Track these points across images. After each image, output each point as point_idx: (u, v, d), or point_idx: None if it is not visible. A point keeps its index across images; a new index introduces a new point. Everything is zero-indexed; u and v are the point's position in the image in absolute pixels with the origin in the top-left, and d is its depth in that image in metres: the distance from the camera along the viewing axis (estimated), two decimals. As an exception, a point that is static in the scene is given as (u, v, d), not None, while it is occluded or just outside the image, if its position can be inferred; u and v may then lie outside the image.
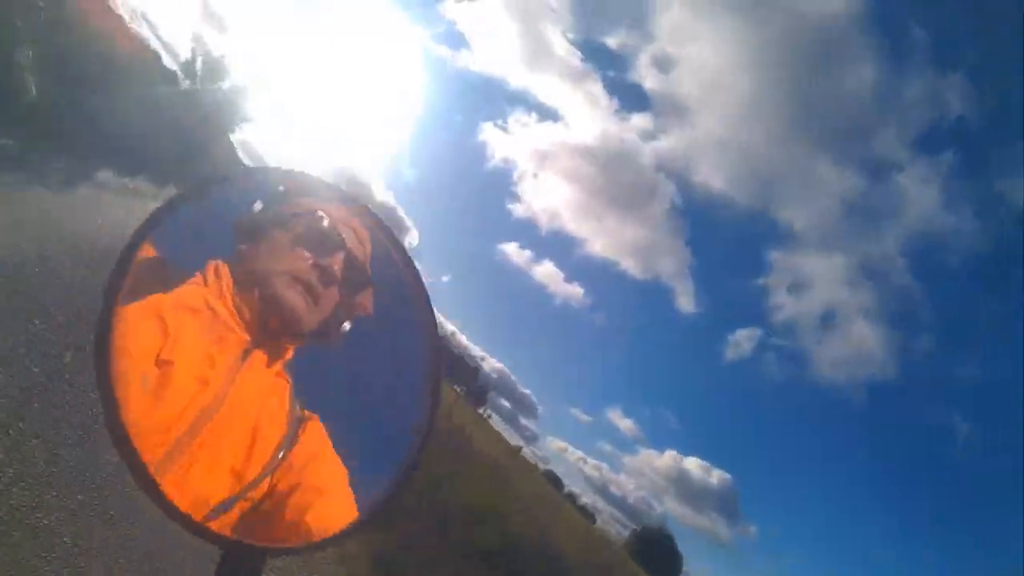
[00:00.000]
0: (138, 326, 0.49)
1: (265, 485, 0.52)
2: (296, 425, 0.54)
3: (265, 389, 0.54)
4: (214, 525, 0.48)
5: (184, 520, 0.47)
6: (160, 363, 0.49)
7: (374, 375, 0.55)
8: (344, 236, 0.55)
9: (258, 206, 0.54)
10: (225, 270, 0.54)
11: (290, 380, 0.55)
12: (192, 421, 0.49)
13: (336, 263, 0.55)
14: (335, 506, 0.51)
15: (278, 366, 0.55)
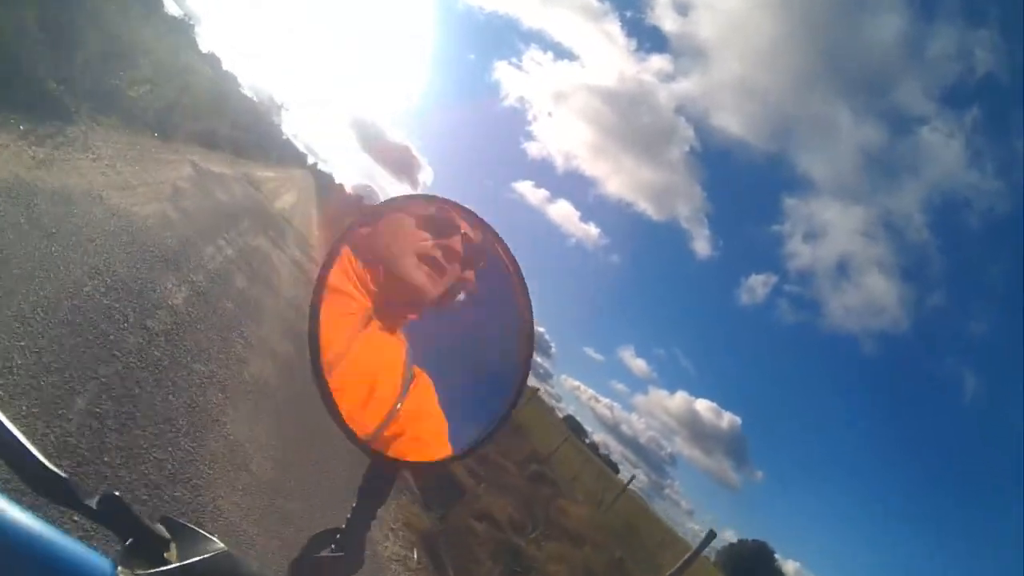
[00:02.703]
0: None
1: (380, 436, 0.58)
2: (408, 381, 0.61)
3: (383, 348, 0.60)
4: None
5: (351, 436, 0.56)
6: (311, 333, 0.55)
7: (475, 343, 0.63)
8: (456, 221, 0.60)
9: (383, 199, 0.60)
10: (347, 249, 0.59)
11: (406, 340, 0.61)
12: (320, 373, 0.55)
13: (456, 243, 0.60)
14: (431, 450, 0.60)
15: (397, 331, 0.61)
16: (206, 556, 0.45)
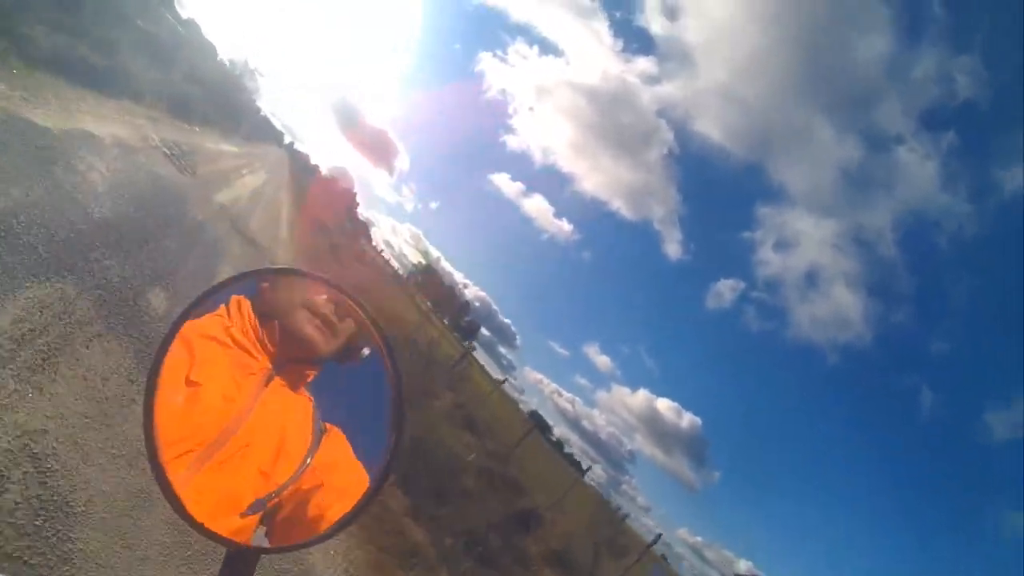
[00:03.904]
0: (169, 349, 0.54)
1: (291, 489, 0.57)
2: (319, 436, 0.60)
3: (289, 407, 0.59)
4: (230, 527, 0.54)
5: (191, 522, 0.52)
6: (189, 383, 0.54)
7: (367, 394, 0.61)
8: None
9: (278, 266, 0.70)
10: (247, 305, 0.59)
11: (312, 397, 0.61)
12: (217, 435, 0.54)
13: (348, 300, 0.59)
14: (344, 500, 0.57)
15: (301, 388, 0.61)
16: None
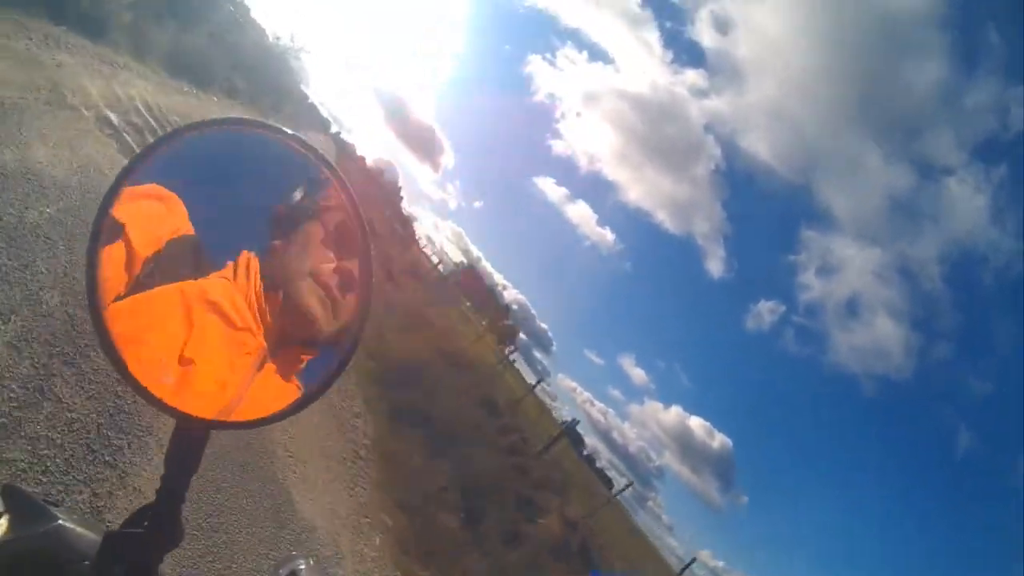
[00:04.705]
0: (165, 310, 0.51)
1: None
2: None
3: (278, 395, 0.55)
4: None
5: (143, 391, 0.49)
6: (183, 360, 0.51)
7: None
8: (368, 234, 0.55)
9: (298, 195, 0.54)
10: (256, 265, 0.54)
11: (301, 388, 0.56)
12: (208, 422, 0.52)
13: (355, 267, 0.54)
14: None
15: (291, 377, 0.56)
16: (33, 531, 0.47)
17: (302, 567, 0.70)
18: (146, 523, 0.47)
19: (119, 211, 0.49)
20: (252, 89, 14.85)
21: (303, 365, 0.56)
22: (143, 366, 0.49)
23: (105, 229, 0.49)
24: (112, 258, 0.49)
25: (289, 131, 0.52)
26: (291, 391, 0.55)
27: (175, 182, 0.52)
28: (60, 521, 0.49)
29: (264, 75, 17.87)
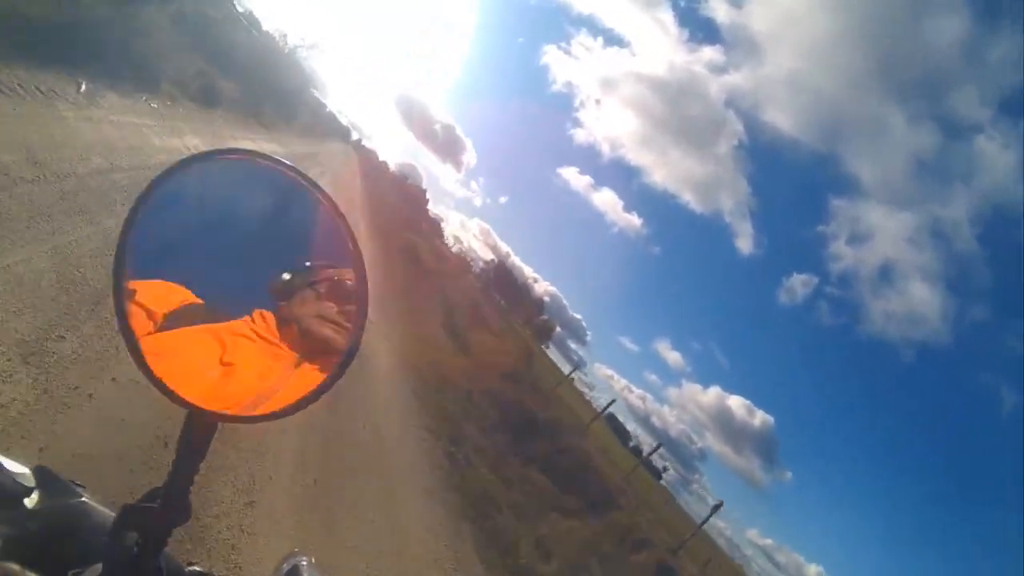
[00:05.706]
0: (195, 339, 0.56)
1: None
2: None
3: (286, 392, 0.58)
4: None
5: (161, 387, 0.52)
6: (224, 363, 0.57)
7: None
8: (358, 283, 0.60)
9: (286, 276, 0.61)
10: (271, 317, 0.61)
11: (308, 386, 0.58)
12: (253, 398, 0.57)
13: (354, 307, 0.60)
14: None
15: (302, 376, 0.60)
16: (60, 504, 0.53)
17: (303, 564, 0.73)
18: (158, 500, 0.52)
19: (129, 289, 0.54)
20: (281, 113, 15.41)
21: (316, 368, 0.61)
22: (159, 359, 0.53)
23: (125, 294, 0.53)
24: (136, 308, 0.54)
25: (289, 162, 0.56)
26: (299, 389, 0.59)
27: (173, 270, 0.57)
28: (84, 498, 0.56)
29: (287, 95, 18.43)
